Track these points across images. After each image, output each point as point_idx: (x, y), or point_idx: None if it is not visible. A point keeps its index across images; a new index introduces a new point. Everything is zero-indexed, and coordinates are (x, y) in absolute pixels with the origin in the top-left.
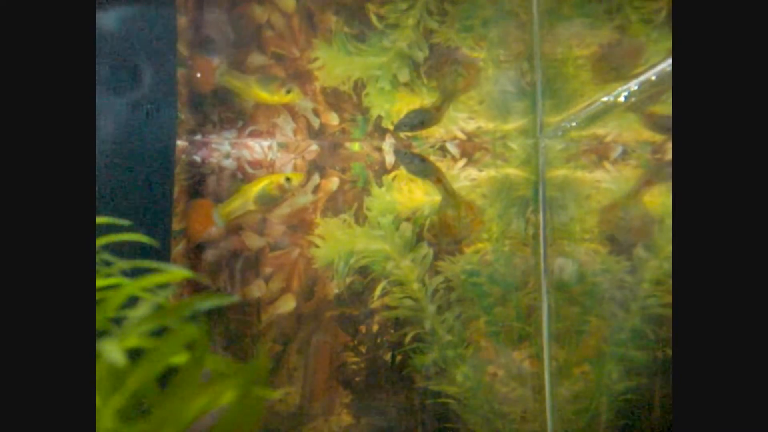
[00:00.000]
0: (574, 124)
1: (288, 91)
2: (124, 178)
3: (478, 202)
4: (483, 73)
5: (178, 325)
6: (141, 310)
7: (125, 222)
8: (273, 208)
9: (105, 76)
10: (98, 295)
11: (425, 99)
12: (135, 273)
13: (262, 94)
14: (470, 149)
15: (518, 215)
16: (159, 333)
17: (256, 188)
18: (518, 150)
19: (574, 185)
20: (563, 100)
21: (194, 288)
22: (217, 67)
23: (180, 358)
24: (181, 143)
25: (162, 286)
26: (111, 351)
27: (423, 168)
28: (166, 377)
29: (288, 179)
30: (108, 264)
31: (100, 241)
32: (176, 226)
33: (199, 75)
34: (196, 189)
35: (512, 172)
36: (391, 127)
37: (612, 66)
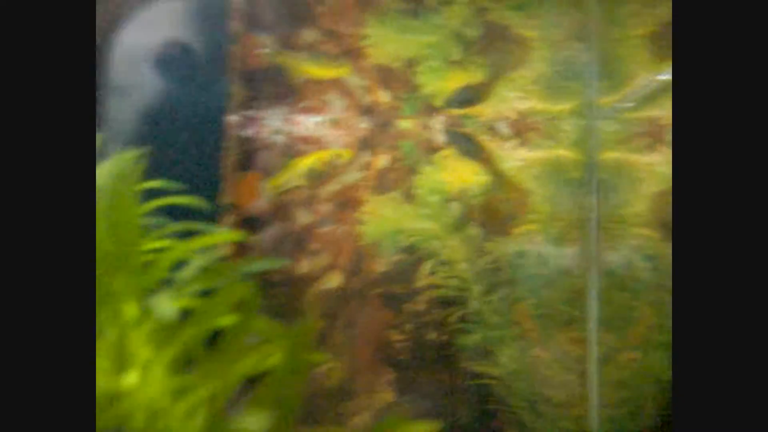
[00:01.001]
0: (628, 105)
1: (338, 65)
2: (174, 150)
3: (528, 183)
4: (536, 53)
5: (227, 287)
6: (189, 271)
7: (177, 186)
8: (321, 184)
9: (158, 52)
10: (149, 257)
11: (476, 77)
12: (185, 236)
13: (312, 69)
14: (521, 129)
15: (568, 197)
16: (208, 294)
17: (305, 163)
18: (570, 131)
19: (627, 168)
20: (618, 81)
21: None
22: (269, 44)
23: (228, 320)
24: (232, 118)
25: (211, 249)
26: (163, 305)
27: (471, 148)
28: (215, 338)
29: (337, 156)
30: (159, 226)
31: (153, 204)
32: (225, 200)
33: (251, 51)
34: (246, 164)
35: (563, 153)
36: (442, 106)
37: (669, 46)
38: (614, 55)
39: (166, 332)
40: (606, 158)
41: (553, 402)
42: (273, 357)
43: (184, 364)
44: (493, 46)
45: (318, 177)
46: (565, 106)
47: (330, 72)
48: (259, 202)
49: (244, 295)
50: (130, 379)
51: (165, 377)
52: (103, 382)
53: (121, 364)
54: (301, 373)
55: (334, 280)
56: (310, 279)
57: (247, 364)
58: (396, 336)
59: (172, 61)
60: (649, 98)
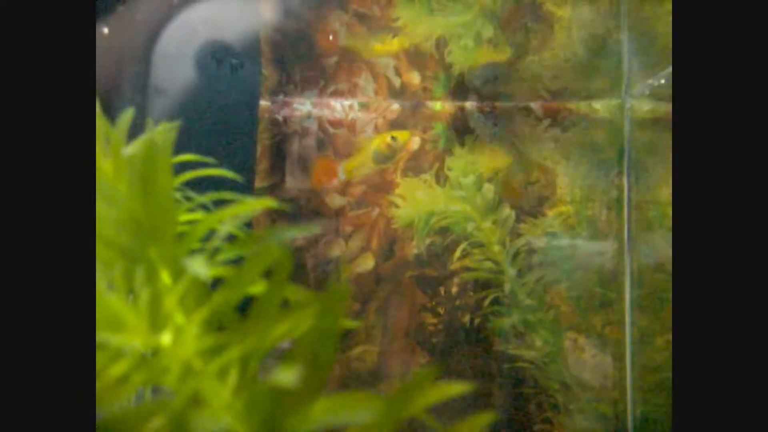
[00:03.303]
0: (662, 81)
1: (394, 36)
2: (207, 131)
3: (561, 164)
4: (568, 31)
5: (257, 254)
6: (218, 239)
7: (209, 159)
8: (386, 164)
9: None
10: (180, 229)
11: (508, 56)
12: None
13: (377, 46)
14: (555, 109)
15: (602, 178)
16: (239, 262)
17: (372, 146)
18: (603, 111)
19: (661, 148)
20: (651, 59)
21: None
22: (340, 29)
23: (259, 287)
24: (263, 103)
25: (242, 219)
26: (197, 264)
27: (496, 132)
28: (247, 307)
29: (393, 138)
30: (189, 199)
31: (187, 176)
32: (259, 183)
33: (281, 36)
34: (279, 148)
35: (597, 133)
36: (473, 86)
37: None
38: (647, 32)
39: (198, 295)
40: (639, 137)
41: (589, 385)
42: (304, 323)
43: (217, 328)
44: (524, 24)
45: (383, 158)
46: (598, 85)
47: (388, 43)
48: (334, 181)
49: (275, 262)
50: (164, 339)
51: (197, 338)
52: (138, 342)
53: (156, 326)
54: (332, 337)
55: (367, 263)
56: (343, 262)
57: (279, 330)
58: (429, 319)
59: (212, 54)
60: None
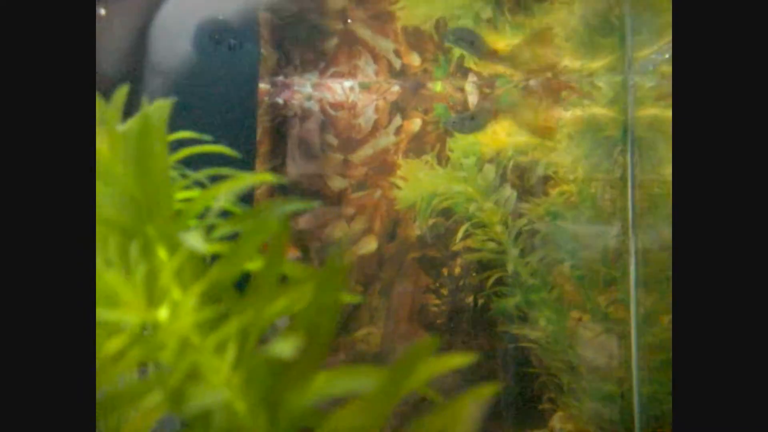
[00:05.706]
0: (666, 56)
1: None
2: (207, 113)
3: (564, 143)
4: (568, 8)
5: (254, 229)
6: (212, 216)
7: (206, 137)
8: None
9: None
10: (177, 206)
11: (508, 36)
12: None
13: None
14: (556, 88)
15: (605, 156)
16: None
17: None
18: (605, 88)
19: (665, 125)
20: (653, 33)
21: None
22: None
23: (256, 263)
24: (263, 86)
25: (237, 193)
26: (194, 239)
27: (475, 124)
28: (244, 283)
29: None
30: (184, 176)
31: (184, 152)
32: (259, 166)
33: (279, 18)
34: (279, 130)
35: (599, 111)
36: (474, 66)
37: None
38: (650, 6)
39: (195, 270)
40: (643, 115)
41: (593, 364)
42: (303, 298)
43: (214, 303)
44: (524, 2)
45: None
46: (599, 62)
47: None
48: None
49: (273, 236)
50: (161, 314)
51: (194, 313)
52: (136, 317)
53: (152, 301)
54: (331, 311)
55: (370, 245)
56: (346, 244)
57: (278, 304)
58: (433, 300)
59: (210, 35)
60: None
